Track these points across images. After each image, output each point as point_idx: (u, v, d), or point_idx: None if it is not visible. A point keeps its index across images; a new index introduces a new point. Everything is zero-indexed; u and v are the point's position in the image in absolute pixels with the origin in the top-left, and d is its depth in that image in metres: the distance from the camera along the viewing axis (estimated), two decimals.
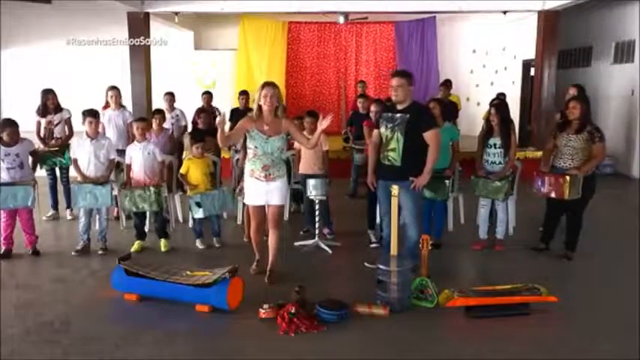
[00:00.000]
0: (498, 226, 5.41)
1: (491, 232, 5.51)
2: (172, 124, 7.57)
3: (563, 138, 5.07)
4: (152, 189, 5.29)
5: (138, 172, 5.46)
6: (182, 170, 5.67)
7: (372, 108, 5.73)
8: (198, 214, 5.43)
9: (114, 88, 6.71)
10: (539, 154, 6.18)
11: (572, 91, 5.69)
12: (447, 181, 5.21)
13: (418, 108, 4.56)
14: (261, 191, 4.49)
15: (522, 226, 5.96)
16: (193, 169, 5.61)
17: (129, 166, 5.51)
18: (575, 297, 4.28)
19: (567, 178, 4.85)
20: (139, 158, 5.45)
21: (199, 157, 5.68)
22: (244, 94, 8.42)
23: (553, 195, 4.98)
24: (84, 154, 5.39)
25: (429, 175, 4.46)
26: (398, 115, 4.47)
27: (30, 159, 5.43)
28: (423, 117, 4.49)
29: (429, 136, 4.39)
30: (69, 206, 6.57)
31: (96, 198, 5.29)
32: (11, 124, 5.22)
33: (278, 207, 4.57)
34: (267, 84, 4.47)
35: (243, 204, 5.92)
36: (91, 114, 5.42)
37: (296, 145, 5.98)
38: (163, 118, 6.86)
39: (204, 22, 12.52)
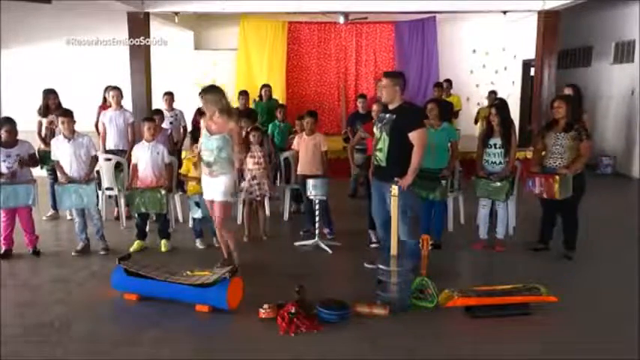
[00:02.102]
0: (498, 226, 5.41)
1: (491, 232, 5.51)
2: (171, 124, 7.59)
3: (551, 137, 5.09)
4: (162, 191, 5.31)
5: (144, 172, 5.46)
6: (182, 170, 5.66)
7: (374, 107, 5.71)
8: (197, 214, 5.45)
9: (115, 88, 6.71)
10: None
11: (567, 92, 5.68)
12: (443, 181, 5.21)
13: (405, 108, 4.51)
14: (208, 186, 4.68)
15: (522, 226, 5.96)
16: (194, 169, 5.59)
17: (135, 166, 5.51)
18: (575, 297, 4.28)
19: (557, 177, 4.88)
20: (147, 158, 5.44)
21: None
22: (244, 94, 8.42)
23: (544, 195, 5.00)
24: (64, 155, 5.36)
25: (413, 175, 4.36)
26: (387, 115, 4.49)
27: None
28: (409, 117, 4.45)
29: (413, 136, 4.35)
30: None
31: (81, 198, 5.26)
32: (9, 122, 5.22)
33: (220, 204, 4.68)
34: (204, 90, 4.67)
35: (243, 204, 5.95)
36: (64, 114, 5.37)
37: (294, 145, 5.98)
38: (162, 119, 6.87)
39: (204, 22, 12.51)
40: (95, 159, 5.58)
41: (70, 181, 5.29)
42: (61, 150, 5.37)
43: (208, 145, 4.58)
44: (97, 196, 5.44)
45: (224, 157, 4.60)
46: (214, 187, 4.65)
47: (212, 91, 4.65)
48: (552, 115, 5.13)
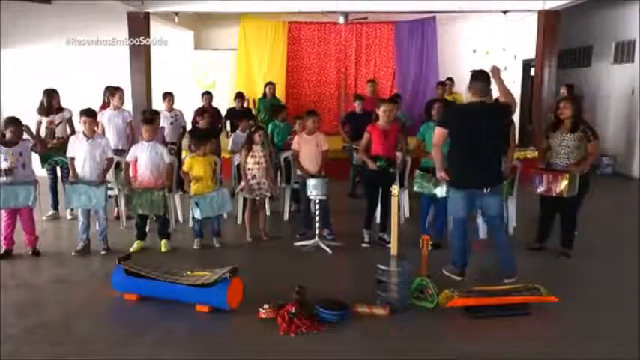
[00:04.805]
0: None
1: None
2: (172, 124, 7.61)
3: (557, 138, 5.10)
4: (160, 194, 5.31)
5: (143, 172, 5.46)
6: (185, 168, 5.65)
7: (382, 108, 5.65)
8: (197, 214, 5.44)
9: (119, 88, 6.73)
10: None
11: (563, 90, 5.71)
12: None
13: None
14: None
15: (522, 226, 5.95)
16: (196, 167, 5.59)
17: (128, 165, 5.51)
18: (575, 297, 4.28)
19: (566, 175, 4.88)
20: (145, 158, 5.44)
21: (202, 155, 5.67)
22: (240, 96, 8.56)
23: (553, 193, 4.97)
24: (80, 154, 5.38)
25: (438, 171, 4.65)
26: None
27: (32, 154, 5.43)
28: None
29: None
30: None
31: (90, 199, 5.26)
32: (15, 123, 5.23)
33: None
34: None
35: (243, 204, 5.94)
36: (87, 113, 5.40)
37: (294, 145, 5.94)
38: (159, 119, 6.88)
39: (204, 22, 12.51)
40: (111, 161, 5.59)
41: (81, 181, 5.31)
42: (78, 148, 5.39)
43: None
44: (107, 199, 5.42)
45: None
46: None
47: None
48: (558, 115, 5.14)
